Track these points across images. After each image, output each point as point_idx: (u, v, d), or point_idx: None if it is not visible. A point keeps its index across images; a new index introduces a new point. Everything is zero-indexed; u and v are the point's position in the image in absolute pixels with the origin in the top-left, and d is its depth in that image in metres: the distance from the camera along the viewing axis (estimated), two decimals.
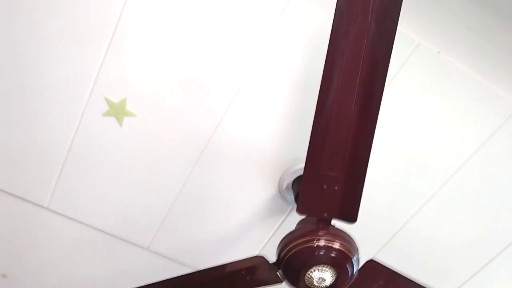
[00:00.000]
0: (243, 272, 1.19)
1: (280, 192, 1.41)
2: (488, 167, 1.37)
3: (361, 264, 1.14)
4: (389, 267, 1.16)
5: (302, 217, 1.20)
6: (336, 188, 1.03)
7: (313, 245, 1.05)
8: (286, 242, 1.09)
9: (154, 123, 1.32)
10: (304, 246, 1.06)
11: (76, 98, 1.27)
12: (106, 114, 1.30)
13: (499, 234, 1.50)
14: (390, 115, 1.29)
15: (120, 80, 1.24)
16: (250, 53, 1.21)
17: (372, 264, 1.15)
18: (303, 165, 1.01)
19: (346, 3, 0.84)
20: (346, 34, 0.86)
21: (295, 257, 1.06)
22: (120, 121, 1.31)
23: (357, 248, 1.11)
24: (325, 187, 1.03)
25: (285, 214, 1.48)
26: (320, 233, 1.07)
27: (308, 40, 1.19)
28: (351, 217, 1.06)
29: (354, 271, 1.09)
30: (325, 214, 1.08)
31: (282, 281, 1.16)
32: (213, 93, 1.26)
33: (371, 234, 1.51)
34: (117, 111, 1.29)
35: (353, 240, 1.11)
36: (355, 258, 1.08)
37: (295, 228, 1.15)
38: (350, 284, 1.13)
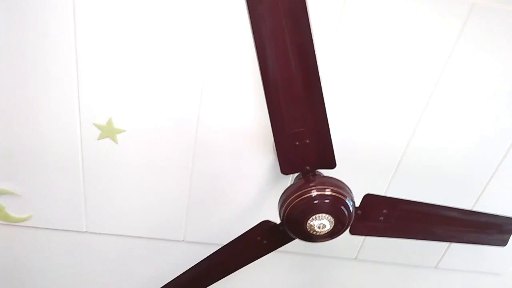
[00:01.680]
0: (259, 238, 1.30)
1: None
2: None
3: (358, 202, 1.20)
4: (387, 195, 1.21)
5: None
6: (307, 141, 1.09)
7: (304, 197, 1.12)
8: (283, 201, 1.17)
9: (143, 131, 1.43)
10: (297, 200, 1.13)
11: (70, 130, 1.41)
12: (101, 137, 1.43)
13: (504, 130, 1.48)
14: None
15: (99, 102, 1.36)
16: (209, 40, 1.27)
17: (369, 198, 1.21)
18: None
19: None
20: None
21: (292, 213, 1.14)
22: (114, 140, 1.44)
23: (348, 189, 1.17)
24: (297, 143, 1.09)
25: (290, 175, 1.55)
26: (308, 185, 1.14)
27: None
28: (330, 164, 1.13)
29: (351, 210, 1.15)
30: (307, 167, 1.14)
31: (295, 237, 1.25)
32: (184, 85, 1.34)
33: (377, 172, 1.55)
34: (108, 132, 1.41)
35: (342, 183, 1.17)
36: (348, 199, 1.15)
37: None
38: (354, 221, 1.21)
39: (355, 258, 1.84)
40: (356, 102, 1.40)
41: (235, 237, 1.31)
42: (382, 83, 1.37)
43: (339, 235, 1.20)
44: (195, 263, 1.43)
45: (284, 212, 1.16)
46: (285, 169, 1.14)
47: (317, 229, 1.14)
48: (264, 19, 0.93)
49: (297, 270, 1.89)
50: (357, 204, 1.21)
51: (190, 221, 1.67)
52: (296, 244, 1.72)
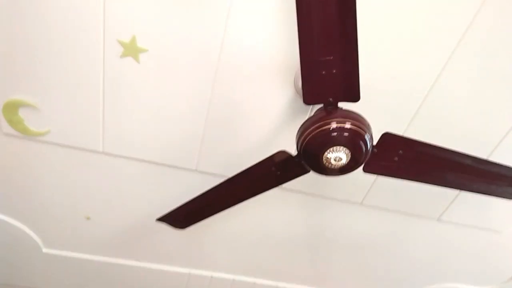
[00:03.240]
0: (273, 169, 1.32)
1: (297, 91, 1.48)
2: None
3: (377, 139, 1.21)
4: (406, 136, 1.22)
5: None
6: (334, 71, 1.08)
7: (323, 129, 1.13)
8: (301, 132, 1.18)
9: (166, 52, 1.41)
10: (315, 132, 1.14)
11: (94, 45, 1.40)
12: (123, 55, 1.42)
13: None
14: None
15: (125, 19, 1.34)
16: None
17: (388, 137, 1.21)
18: None
19: None
20: None
21: (310, 144, 1.15)
22: (136, 59, 1.43)
23: (368, 125, 1.17)
24: (323, 72, 1.08)
25: (309, 111, 1.55)
26: (329, 117, 1.14)
27: None
28: (355, 96, 1.12)
29: (368, 147, 1.16)
30: (330, 99, 1.14)
31: (308, 170, 1.27)
32: (211, 8, 1.32)
33: (395, 116, 1.55)
34: (131, 50, 1.40)
35: (363, 118, 1.17)
36: (367, 134, 1.15)
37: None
38: (369, 158, 1.22)
39: (361, 203, 1.88)
40: (385, 41, 1.37)
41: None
42: (412, 24, 1.34)
43: (352, 170, 1.21)
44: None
45: (302, 142, 1.17)
46: (308, 99, 1.14)
47: (333, 162, 1.16)
48: None
49: (302, 210, 1.94)
50: (375, 142, 1.22)
51: (204, 152, 1.70)
52: (305, 183, 1.78)
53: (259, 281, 2.27)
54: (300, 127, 1.20)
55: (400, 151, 1.25)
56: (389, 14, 1.32)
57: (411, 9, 1.31)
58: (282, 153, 1.26)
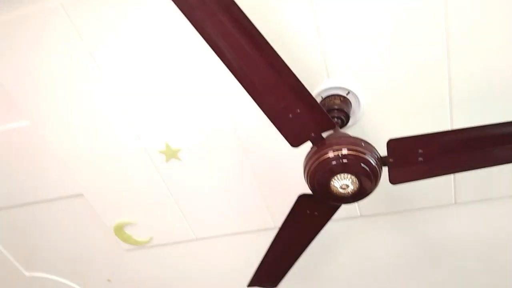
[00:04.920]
0: (308, 212, 1.34)
1: None
2: None
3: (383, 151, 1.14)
4: (411, 135, 1.12)
5: None
6: (298, 110, 1.11)
7: (320, 161, 1.13)
8: (304, 170, 1.19)
9: (197, 145, 1.63)
10: (313, 166, 1.14)
11: (146, 163, 1.70)
12: (167, 159, 1.69)
13: None
14: None
15: (154, 134, 1.62)
16: None
17: (394, 144, 1.13)
18: None
19: None
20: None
21: (313, 179, 1.15)
22: (178, 158, 1.68)
23: (364, 144, 1.12)
24: (290, 116, 1.12)
25: None
26: (321, 150, 1.14)
27: None
28: (329, 125, 1.12)
29: (373, 164, 1.11)
30: (312, 134, 1.15)
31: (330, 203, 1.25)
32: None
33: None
34: (170, 153, 1.66)
35: (357, 139, 1.14)
36: (367, 154, 1.11)
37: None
38: (390, 170, 1.15)
39: (455, 202, 1.67)
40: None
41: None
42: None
43: (372, 190, 1.16)
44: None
45: (307, 180, 1.18)
46: (293, 142, 1.17)
47: (342, 191, 1.13)
48: (203, 20, 1.01)
49: (395, 229, 1.81)
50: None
51: (271, 207, 1.80)
52: (385, 203, 1.70)
53: None
54: (303, 166, 1.21)
55: (420, 150, 1.14)
56: None
57: None
58: (301, 197, 1.28)
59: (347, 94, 1.41)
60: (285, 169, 1.64)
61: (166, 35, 1.38)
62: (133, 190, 1.79)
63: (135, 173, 1.73)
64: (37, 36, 1.39)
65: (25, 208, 1.94)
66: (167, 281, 2.20)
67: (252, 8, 1.25)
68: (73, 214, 1.94)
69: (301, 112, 1.11)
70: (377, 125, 1.47)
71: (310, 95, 1.08)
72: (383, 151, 1.14)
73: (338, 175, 1.12)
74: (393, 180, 1.19)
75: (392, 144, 1.14)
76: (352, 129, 1.48)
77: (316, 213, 1.34)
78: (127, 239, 1.98)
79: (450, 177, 1.59)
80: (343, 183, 1.13)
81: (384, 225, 1.81)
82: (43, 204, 1.91)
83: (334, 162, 1.12)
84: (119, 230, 1.96)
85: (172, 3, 0.98)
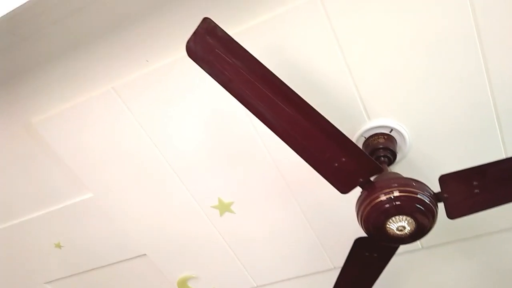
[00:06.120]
0: (367, 254, 1.33)
1: None
2: None
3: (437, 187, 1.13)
4: (462, 169, 1.11)
5: None
6: (343, 159, 1.14)
7: (372, 205, 1.13)
8: (357, 215, 1.20)
9: (248, 196, 1.68)
10: (366, 211, 1.15)
11: (202, 220, 1.77)
12: (221, 213, 1.75)
13: None
14: None
15: (206, 192, 1.69)
16: None
17: (446, 179, 1.12)
18: None
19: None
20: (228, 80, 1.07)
21: (368, 224, 1.16)
22: (231, 211, 1.73)
23: (416, 182, 1.12)
24: (336, 165, 1.15)
25: None
26: (372, 193, 1.15)
27: None
28: (376, 169, 1.14)
29: (427, 202, 1.10)
30: (361, 179, 1.17)
31: (389, 244, 1.24)
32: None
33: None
34: (223, 207, 1.73)
35: (407, 179, 1.14)
36: (420, 194, 1.10)
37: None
38: (446, 206, 1.14)
39: None
40: None
41: None
42: None
43: (431, 228, 1.14)
44: None
45: (363, 225, 1.19)
46: (342, 189, 1.19)
47: (399, 233, 1.13)
48: (241, 90, 1.08)
49: (461, 258, 1.74)
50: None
51: (328, 248, 1.79)
52: (445, 233, 1.64)
53: None
54: (356, 212, 1.22)
55: (475, 183, 1.12)
56: None
57: None
58: (359, 240, 1.28)
59: (390, 132, 1.41)
60: (337, 211, 1.65)
61: (209, 100, 1.47)
62: (192, 245, 1.86)
63: (193, 229, 1.80)
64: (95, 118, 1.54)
65: (94, 272, 2.06)
66: None
67: (282, 63, 1.33)
68: (139, 273, 2.03)
69: (346, 161, 1.14)
70: (426, 158, 1.46)
71: (352, 142, 1.11)
72: (436, 184, 1.13)
73: (393, 218, 1.12)
74: (451, 215, 1.17)
75: (445, 179, 1.13)
76: (400, 165, 1.47)
77: (375, 254, 1.33)
78: None
79: None
80: (399, 225, 1.12)
81: (448, 255, 1.74)
82: (110, 266, 2.02)
83: (387, 205, 1.12)
84: (183, 285, 2.01)
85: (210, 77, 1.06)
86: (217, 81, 1.08)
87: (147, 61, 1.40)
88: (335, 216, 1.68)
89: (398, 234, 1.14)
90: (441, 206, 1.14)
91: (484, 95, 1.35)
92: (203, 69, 1.07)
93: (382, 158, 1.37)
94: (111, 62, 1.41)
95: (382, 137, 1.42)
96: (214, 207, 1.73)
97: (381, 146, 1.39)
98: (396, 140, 1.43)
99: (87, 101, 1.49)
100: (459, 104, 1.38)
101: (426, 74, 1.33)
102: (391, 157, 1.39)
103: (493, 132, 1.41)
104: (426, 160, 1.46)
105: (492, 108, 1.37)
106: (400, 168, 1.44)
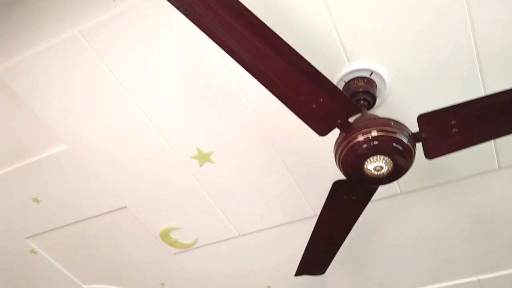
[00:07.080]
0: (345, 197, 1.33)
1: None
2: None
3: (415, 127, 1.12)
4: (441, 107, 1.09)
5: None
6: (321, 99, 1.10)
7: (350, 146, 1.12)
8: (335, 157, 1.19)
9: (227, 147, 1.65)
10: (344, 152, 1.13)
11: (182, 170, 1.74)
12: (201, 164, 1.73)
13: None
14: None
15: (185, 141, 1.65)
16: None
17: (425, 118, 1.10)
18: None
19: None
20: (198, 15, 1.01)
21: (346, 165, 1.15)
22: (211, 161, 1.71)
23: (393, 123, 1.11)
24: (314, 106, 1.12)
25: None
26: (350, 134, 1.13)
27: None
28: (355, 108, 1.11)
29: (406, 142, 1.09)
30: (339, 121, 1.14)
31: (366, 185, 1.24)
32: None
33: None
34: (203, 157, 1.70)
35: (386, 119, 1.12)
36: (397, 133, 1.09)
37: None
38: (425, 146, 1.13)
39: (499, 167, 1.61)
40: None
41: None
42: None
43: (408, 168, 1.14)
44: None
45: (340, 167, 1.17)
46: (320, 131, 1.17)
47: (376, 173, 1.12)
48: (212, 25, 1.02)
49: (440, 203, 1.77)
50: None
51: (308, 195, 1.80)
52: (426, 178, 1.66)
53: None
54: (334, 152, 1.21)
55: (453, 121, 1.11)
56: None
57: None
58: (336, 183, 1.27)
59: (370, 75, 1.38)
60: (317, 157, 1.64)
61: (180, 42, 1.40)
62: (173, 197, 1.85)
63: (173, 180, 1.78)
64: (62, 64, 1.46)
65: (75, 226, 2.04)
66: (217, 279, 2.25)
67: (258, 3, 1.26)
68: (121, 226, 2.02)
69: (324, 101, 1.10)
70: (406, 102, 1.44)
71: (330, 82, 1.07)
72: (415, 127, 1.12)
73: (371, 158, 1.11)
74: (429, 155, 1.17)
75: (423, 118, 1.11)
76: (380, 109, 1.45)
77: (353, 197, 1.33)
78: (173, 243, 2.05)
79: (491, 142, 1.53)
80: (376, 165, 1.11)
81: (427, 199, 1.77)
82: (91, 220, 2.00)
83: (365, 145, 1.11)
84: (165, 236, 2.02)
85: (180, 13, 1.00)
86: (187, 17, 1.01)
87: (114, 1, 1.31)
88: (315, 163, 1.67)
89: (375, 175, 1.13)
90: (419, 150, 1.14)
91: (466, 36, 1.32)
92: (172, 4, 1.00)
93: (362, 102, 1.35)
94: (76, 2, 1.32)
95: (362, 80, 1.38)
96: (194, 157, 1.70)
97: (360, 90, 1.36)
98: (376, 84, 1.40)
99: (52, 46, 1.40)
100: (441, 46, 1.34)
101: (408, 15, 1.28)
102: (371, 101, 1.36)
103: (473, 74, 1.39)
104: (406, 104, 1.44)
105: (474, 50, 1.34)
106: (379, 112, 1.42)
